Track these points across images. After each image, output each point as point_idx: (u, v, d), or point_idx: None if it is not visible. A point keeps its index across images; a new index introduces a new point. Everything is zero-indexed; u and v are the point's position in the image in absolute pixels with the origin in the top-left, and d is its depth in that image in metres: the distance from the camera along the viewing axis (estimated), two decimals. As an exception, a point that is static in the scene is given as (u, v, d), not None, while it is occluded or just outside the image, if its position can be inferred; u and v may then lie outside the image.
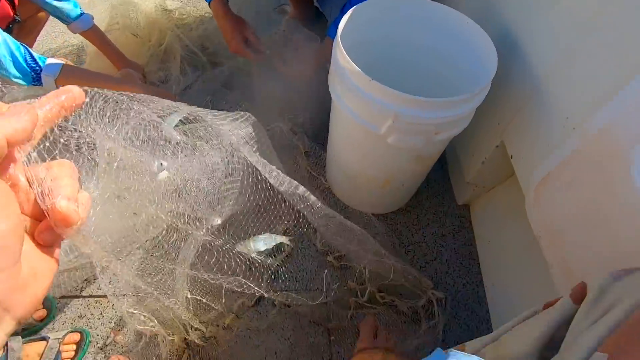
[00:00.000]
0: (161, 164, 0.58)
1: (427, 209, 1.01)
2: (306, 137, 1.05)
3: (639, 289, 0.32)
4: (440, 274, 0.90)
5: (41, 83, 0.81)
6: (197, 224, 0.71)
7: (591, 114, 0.51)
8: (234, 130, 0.71)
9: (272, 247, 0.86)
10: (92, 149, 0.40)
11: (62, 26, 1.02)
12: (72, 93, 0.22)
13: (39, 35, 1.14)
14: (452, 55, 0.79)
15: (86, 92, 0.33)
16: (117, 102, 0.40)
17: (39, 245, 0.22)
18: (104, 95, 0.36)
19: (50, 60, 0.82)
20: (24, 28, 1.04)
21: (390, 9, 0.78)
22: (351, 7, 0.75)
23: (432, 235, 0.96)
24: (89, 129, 0.36)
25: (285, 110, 1.10)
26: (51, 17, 1.04)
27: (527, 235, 0.80)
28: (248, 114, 0.77)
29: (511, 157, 0.73)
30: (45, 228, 0.22)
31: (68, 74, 0.82)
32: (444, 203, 1.02)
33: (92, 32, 1.03)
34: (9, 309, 0.20)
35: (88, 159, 0.40)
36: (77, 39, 1.30)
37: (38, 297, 0.22)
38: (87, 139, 0.37)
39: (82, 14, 1.00)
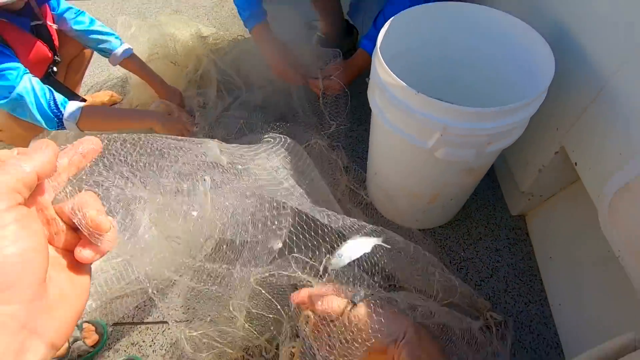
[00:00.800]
0: (205, 179, 0.58)
1: (478, 221, 0.95)
2: (344, 152, 1.02)
3: None
4: (498, 293, 0.83)
5: (64, 127, 0.86)
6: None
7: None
8: (266, 164, 0.70)
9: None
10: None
11: (105, 61, 1.08)
12: (92, 144, 0.27)
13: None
14: (499, 60, 0.75)
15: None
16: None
17: (70, 270, 0.25)
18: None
19: (70, 106, 0.86)
20: (71, 68, 1.11)
21: (427, 18, 0.75)
22: (384, 19, 0.73)
23: (485, 249, 0.90)
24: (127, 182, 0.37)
25: (321, 126, 1.09)
26: (95, 55, 1.10)
27: (598, 247, 0.72)
28: (283, 137, 0.76)
29: (575, 165, 0.67)
30: (84, 244, 0.24)
31: (88, 116, 0.88)
32: (496, 214, 0.96)
33: (131, 61, 1.07)
34: (37, 332, 0.21)
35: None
36: (120, 72, 1.37)
37: (68, 321, 0.24)
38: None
39: (122, 44, 1.06)
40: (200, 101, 1.15)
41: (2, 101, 0.78)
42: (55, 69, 1.00)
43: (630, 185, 0.51)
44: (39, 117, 0.83)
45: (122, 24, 1.31)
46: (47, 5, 0.94)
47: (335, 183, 0.94)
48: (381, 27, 0.70)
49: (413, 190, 0.79)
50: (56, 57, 0.99)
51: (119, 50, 1.04)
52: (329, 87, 1.04)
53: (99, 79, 1.39)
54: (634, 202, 0.51)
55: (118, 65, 1.08)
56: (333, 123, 1.09)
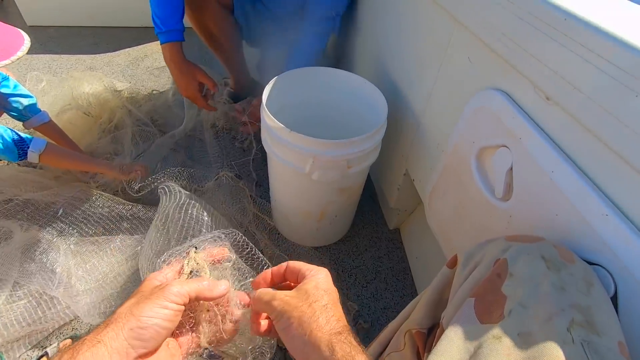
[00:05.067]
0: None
1: (364, 236, 1.15)
2: (247, 182, 1.18)
3: (494, 251, 0.42)
4: (380, 291, 1.02)
5: (26, 158, 0.92)
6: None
7: (447, 138, 0.71)
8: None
9: None
10: None
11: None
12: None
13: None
14: (355, 107, 1.00)
15: None
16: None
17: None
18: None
19: (35, 139, 0.93)
20: None
21: (305, 77, 0.99)
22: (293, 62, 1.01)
23: (370, 258, 1.10)
24: None
25: (228, 160, 1.26)
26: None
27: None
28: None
29: (413, 180, 0.92)
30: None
31: (51, 150, 0.95)
32: (378, 229, 1.18)
33: (49, 126, 1.10)
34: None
35: None
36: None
37: None
38: None
39: (41, 111, 1.09)
40: (115, 148, 1.23)
41: None
42: None
43: (435, 187, 0.76)
44: (1, 150, 0.89)
45: (32, 78, 1.37)
46: None
47: (243, 210, 1.08)
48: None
49: (303, 209, 0.97)
50: None
51: (38, 115, 1.08)
52: (253, 114, 1.27)
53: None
54: (437, 197, 0.75)
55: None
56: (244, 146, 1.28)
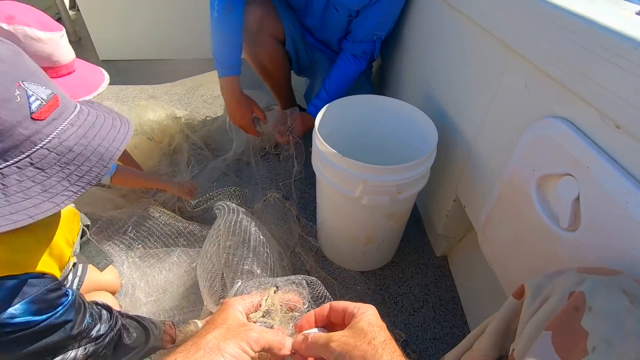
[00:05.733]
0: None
1: (410, 262, 1.13)
2: (295, 204, 1.21)
3: (567, 283, 0.41)
4: (428, 320, 0.99)
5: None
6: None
7: (503, 166, 0.70)
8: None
9: None
10: None
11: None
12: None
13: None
14: (403, 133, 1.02)
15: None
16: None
17: None
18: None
19: None
20: None
21: (354, 105, 1.02)
22: (325, 91, 1.18)
23: (417, 285, 1.07)
24: None
25: (275, 182, 1.31)
26: None
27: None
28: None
29: (464, 207, 0.90)
30: None
31: (120, 173, 1.04)
32: (424, 256, 1.15)
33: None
34: None
35: None
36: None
37: None
38: None
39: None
40: (172, 170, 1.32)
41: None
42: None
43: (490, 214, 0.74)
44: None
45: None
46: None
47: (290, 232, 1.11)
48: (322, 97, 1.00)
49: (350, 233, 0.98)
50: None
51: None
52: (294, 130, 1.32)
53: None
54: (492, 225, 0.73)
55: None
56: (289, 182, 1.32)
